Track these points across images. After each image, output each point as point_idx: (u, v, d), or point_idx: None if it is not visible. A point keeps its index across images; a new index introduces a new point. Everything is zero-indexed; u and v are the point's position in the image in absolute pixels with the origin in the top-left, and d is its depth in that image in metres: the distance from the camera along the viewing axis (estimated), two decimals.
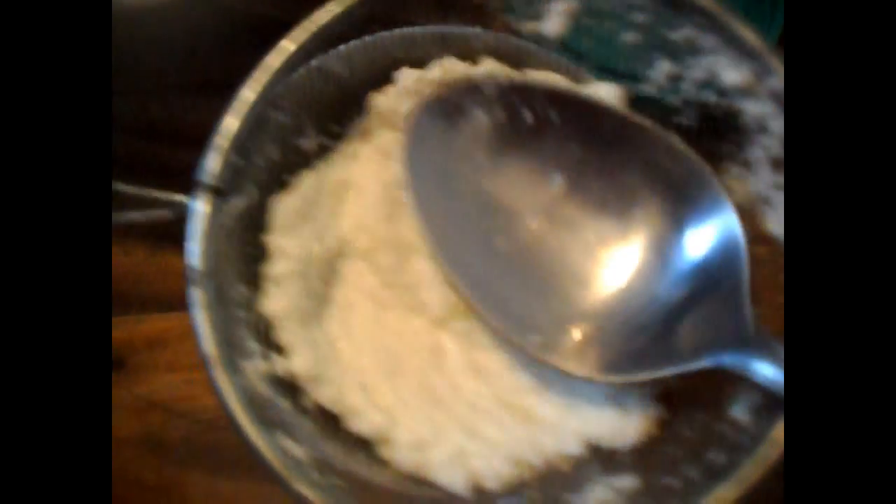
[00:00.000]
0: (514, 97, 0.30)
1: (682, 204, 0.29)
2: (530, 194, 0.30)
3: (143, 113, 0.36)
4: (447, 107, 0.30)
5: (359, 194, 0.33)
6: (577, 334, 0.29)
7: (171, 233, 0.28)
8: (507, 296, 0.29)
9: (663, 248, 0.29)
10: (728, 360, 0.25)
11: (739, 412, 0.26)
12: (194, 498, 0.32)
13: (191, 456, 0.32)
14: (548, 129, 0.30)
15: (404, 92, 0.32)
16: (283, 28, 0.29)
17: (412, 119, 0.30)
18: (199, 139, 0.28)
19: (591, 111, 0.30)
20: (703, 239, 0.28)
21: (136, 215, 0.29)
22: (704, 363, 0.25)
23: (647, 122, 0.29)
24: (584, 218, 0.30)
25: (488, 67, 0.33)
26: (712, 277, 0.27)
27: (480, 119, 0.30)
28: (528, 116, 0.30)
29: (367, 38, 0.31)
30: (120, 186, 0.29)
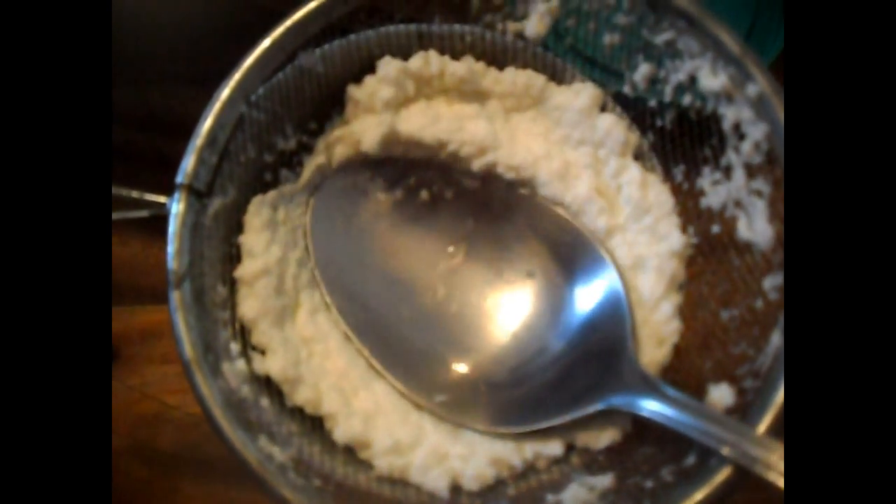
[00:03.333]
0: (410, 176, 0.32)
1: (568, 267, 0.31)
2: (430, 265, 0.32)
3: (142, 103, 0.36)
4: (349, 189, 0.32)
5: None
6: (479, 392, 0.30)
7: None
8: (412, 360, 0.31)
9: (554, 308, 0.31)
10: (617, 401, 0.27)
11: None
12: (185, 490, 0.32)
13: (182, 447, 0.32)
14: (443, 204, 0.33)
15: (385, 79, 0.32)
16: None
17: (315, 203, 0.32)
18: None
19: (482, 186, 0.32)
20: (588, 297, 0.30)
21: (113, 216, 0.29)
22: (597, 407, 0.27)
23: (532, 195, 0.32)
24: (481, 284, 0.32)
25: (469, 64, 0.33)
26: (599, 331, 0.29)
27: (380, 198, 0.33)
28: (423, 194, 0.32)
29: (349, 38, 0.31)
30: None
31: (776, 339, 0.26)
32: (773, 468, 0.23)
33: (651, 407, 0.26)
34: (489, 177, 0.32)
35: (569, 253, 0.31)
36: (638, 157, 0.32)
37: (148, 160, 0.27)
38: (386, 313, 0.31)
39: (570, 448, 0.29)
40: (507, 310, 0.31)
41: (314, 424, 0.29)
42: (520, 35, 0.32)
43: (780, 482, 0.22)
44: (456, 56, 0.33)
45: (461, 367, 0.31)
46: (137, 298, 0.34)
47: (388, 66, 0.32)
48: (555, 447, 0.29)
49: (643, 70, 0.31)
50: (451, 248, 0.32)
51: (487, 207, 0.32)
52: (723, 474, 0.24)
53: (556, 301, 0.31)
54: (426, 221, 0.32)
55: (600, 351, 0.29)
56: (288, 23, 0.30)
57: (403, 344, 0.31)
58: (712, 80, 0.28)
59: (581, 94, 0.32)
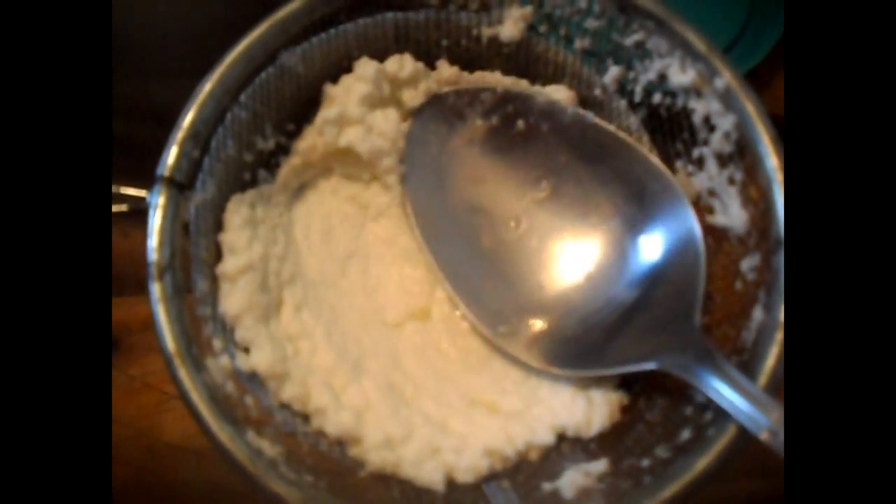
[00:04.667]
0: (508, 105, 0.33)
1: (652, 217, 0.31)
2: (517, 196, 0.33)
3: (143, 96, 0.36)
4: (446, 110, 0.33)
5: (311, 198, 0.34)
6: (539, 328, 0.31)
7: None
8: (482, 289, 0.31)
9: (626, 253, 0.31)
10: (673, 365, 0.26)
11: (700, 394, 0.27)
12: (186, 479, 0.32)
13: (183, 436, 0.32)
14: (537, 136, 0.32)
15: (361, 78, 0.32)
16: None
17: (413, 121, 0.33)
18: None
19: (578, 123, 0.32)
20: (664, 248, 0.30)
21: None
22: (651, 366, 0.27)
23: (627, 137, 0.32)
24: (561, 221, 0.32)
25: (443, 70, 0.34)
26: (670, 291, 0.29)
27: (477, 124, 0.33)
28: (520, 124, 0.33)
29: (328, 33, 0.31)
30: None
31: (758, 314, 0.27)
32: None
33: (706, 379, 0.25)
34: (585, 117, 0.32)
35: (655, 202, 0.30)
36: None
37: (149, 153, 0.26)
38: (467, 239, 0.32)
39: (561, 438, 0.29)
40: (584, 252, 0.31)
41: (303, 421, 0.28)
42: (495, 39, 0.33)
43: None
44: (431, 59, 0.33)
45: (525, 302, 0.31)
46: (138, 289, 0.32)
47: (366, 66, 0.32)
48: (546, 436, 0.29)
49: (613, 72, 0.32)
50: (540, 181, 0.32)
51: (582, 144, 0.32)
52: (721, 443, 0.24)
53: (633, 251, 0.30)
54: (520, 151, 0.32)
55: (667, 310, 0.28)
56: (270, 21, 0.30)
57: (477, 270, 0.31)
58: (682, 76, 0.30)
59: (554, 96, 0.33)
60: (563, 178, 0.32)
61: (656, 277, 0.29)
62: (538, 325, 0.31)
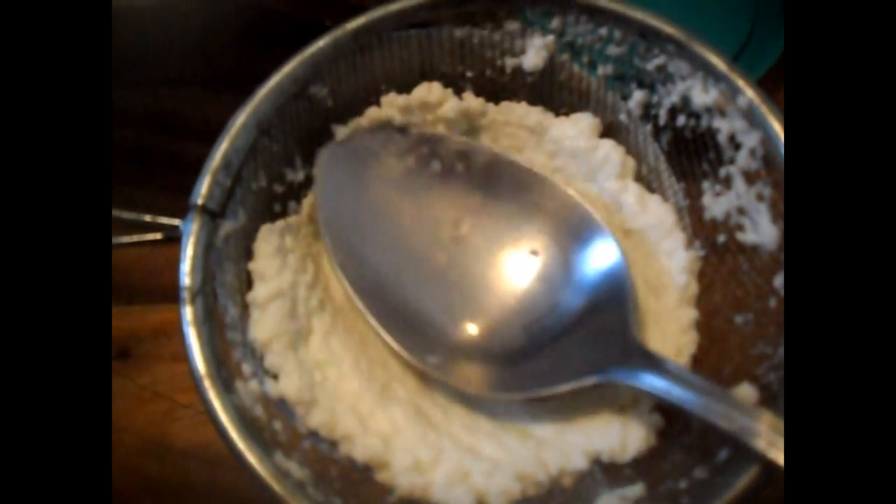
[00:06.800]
0: (423, 146, 0.33)
1: (573, 247, 0.32)
2: (435, 234, 0.33)
3: (152, 105, 0.36)
4: (361, 151, 0.33)
5: None
6: (474, 358, 0.30)
7: None
8: (410, 322, 0.31)
9: (556, 286, 0.31)
10: (616, 375, 0.27)
11: None
12: (196, 488, 0.31)
13: (194, 445, 0.32)
14: (453, 176, 0.33)
15: (388, 108, 0.33)
16: (291, 24, 0.30)
17: (326, 159, 0.33)
18: (208, 133, 0.28)
19: (494, 162, 0.33)
20: (591, 278, 0.31)
21: (127, 239, 0.29)
22: (595, 379, 0.27)
23: (538, 172, 0.33)
24: (484, 257, 0.33)
25: (469, 101, 0.34)
26: (601, 310, 0.30)
27: (392, 164, 0.33)
28: (435, 165, 0.33)
29: (356, 67, 0.32)
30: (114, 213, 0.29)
31: None
32: (774, 443, 0.23)
33: (651, 381, 0.26)
34: (500, 157, 0.33)
35: (575, 233, 0.31)
36: (637, 180, 0.33)
37: (159, 162, 0.27)
38: (387, 274, 0.32)
39: (595, 463, 0.28)
40: (507, 285, 0.32)
41: (331, 447, 0.28)
42: (518, 69, 0.34)
43: (780, 458, 0.22)
44: (458, 92, 0.34)
45: (457, 334, 0.31)
46: (149, 298, 0.34)
47: (392, 102, 0.33)
48: (580, 461, 0.28)
49: (637, 97, 0.33)
50: (458, 221, 0.33)
51: (497, 183, 0.33)
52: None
53: (558, 280, 0.31)
54: (436, 192, 0.33)
55: (602, 330, 0.29)
56: (300, 57, 0.31)
57: (402, 305, 0.31)
58: (704, 96, 0.30)
59: (580, 124, 0.33)
60: (482, 218, 0.33)
61: (586, 304, 0.30)
62: (470, 355, 0.30)
